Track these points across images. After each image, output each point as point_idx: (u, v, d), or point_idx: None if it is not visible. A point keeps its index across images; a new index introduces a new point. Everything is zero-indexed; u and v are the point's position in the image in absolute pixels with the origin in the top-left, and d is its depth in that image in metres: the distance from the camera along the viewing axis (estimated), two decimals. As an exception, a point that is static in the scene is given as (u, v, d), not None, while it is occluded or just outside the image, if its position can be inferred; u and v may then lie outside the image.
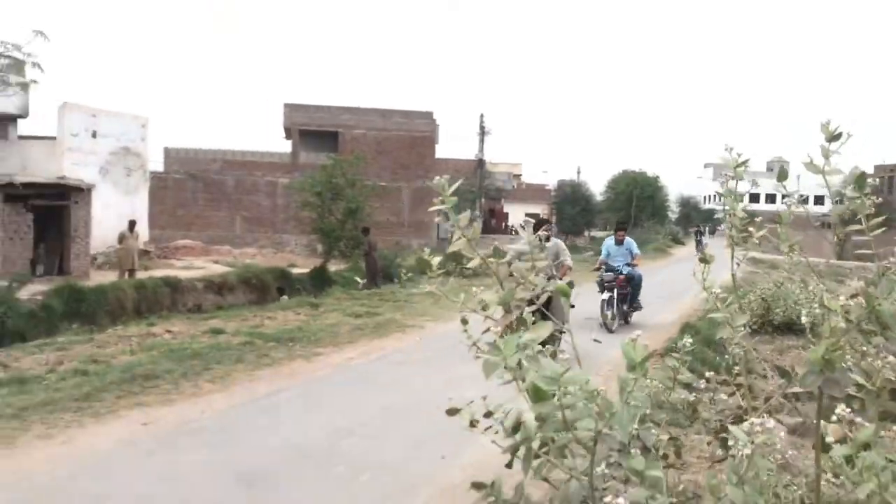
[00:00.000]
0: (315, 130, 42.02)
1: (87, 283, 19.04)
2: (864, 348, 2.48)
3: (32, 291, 16.96)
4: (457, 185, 2.16)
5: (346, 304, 14.94)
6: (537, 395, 1.70)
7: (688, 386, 2.81)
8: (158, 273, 21.71)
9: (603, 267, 12.96)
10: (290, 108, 42.51)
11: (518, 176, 66.06)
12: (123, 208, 25.83)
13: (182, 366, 8.47)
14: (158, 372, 8.13)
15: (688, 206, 75.39)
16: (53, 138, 26.26)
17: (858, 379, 2.44)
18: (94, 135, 26.71)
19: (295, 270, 24.05)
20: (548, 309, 9.24)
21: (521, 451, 1.79)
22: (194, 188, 41.13)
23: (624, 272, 12.82)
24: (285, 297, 20.74)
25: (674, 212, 72.07)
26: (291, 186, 32.63)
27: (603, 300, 12.18)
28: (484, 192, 48.88)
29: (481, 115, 50.61)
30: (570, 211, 56.22)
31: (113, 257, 23.53)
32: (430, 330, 12.44)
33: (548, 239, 9.81)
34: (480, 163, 49.02)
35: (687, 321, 11.94)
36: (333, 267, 24.38)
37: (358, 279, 21.28)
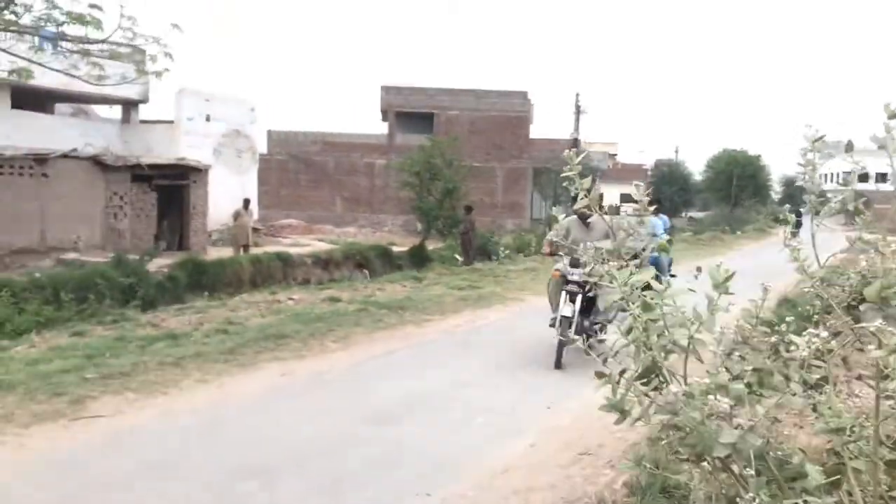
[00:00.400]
0: (410, 112, 42.82)
1: (206, 257, 20.51)
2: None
3: (158, 265, 18.40)
4: (583, 155, 2.77)
5: (448, 279, 15.68)
6: (645, 308, 2.31)
7: (770, 325, 3.30)
8: (269, 249, 23.11)
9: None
10: (387, 91, 43.44)
11: (614, 156, 65.51)
12: (234, 188, 27.35)
13: (308, 328, 9.39)
14: (288, 332, 9.06)
15: (791, 186, 73.00)
16: (171, 122, 28.06)
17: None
18: (207, 118, 28.40)
19: (394, 248, 25.08)
20: (592, 299, 8.66)
21: (632, 349, 2.40)
22: (296, 169, 42.74)
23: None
24: (366, 271, 21.76)
25: (777, 192, 69.99)
26: (391, 167, 33.61)
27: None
28: (579, 172, 48.83)
29: (577, 95, 50.44)
30: (668, 191, 55.50)
31: (227, 234, 25.10)
32: (530, 302, 13.04)
33: (587, 215, 8.45)
34: (575, 142, 48.91)
35: (784, 296, 12.13)
36: (430, 245, 25.24)
37: (457, 256, 22.16)
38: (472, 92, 43.00)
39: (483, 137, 41.50)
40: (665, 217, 12.10)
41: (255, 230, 26.14)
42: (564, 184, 2.83)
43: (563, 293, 8.20)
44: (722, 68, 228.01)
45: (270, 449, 5.30)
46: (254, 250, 22.31)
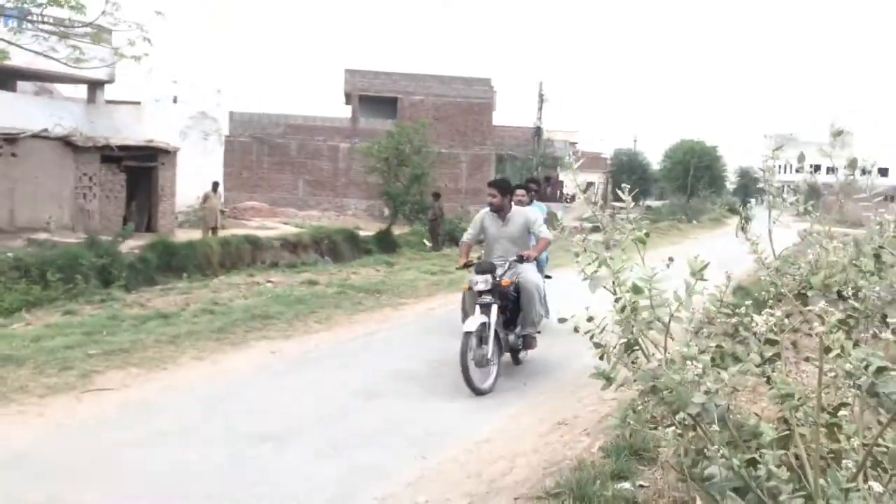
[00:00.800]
0: (374, 96, 42.96)
1: (174, 239, 20.66)
2: (860, 283, 3.54)
3: (128, 246, 18.52)
4: (581, 161, 3.26)
5: (418, 264, 16.19)
6: (635, 290, 2.83)
7: (732, 311, 3.84)
8: (237, 232, 23.31)
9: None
10: (351, 74, 43.43)
11: (574, 144, 66.26)
12: (200, 170, 27.37)
13: (291, 309, 9.81)
14: (272, 313, 9.48)
15: (746, 176, 74.91)
16: (137, 103, 27.97)
17: (856, 305, 3.50)
18: (174, 100, 28.39)
19: (360, 233, 25.42)
20: (518, 302, 8.03)
21: (623, 321, 2.92)
22: (259, 151, 42.60)
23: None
24: (327, 257, 22.07)
25: (732, 182, 71.76)
26: (358, 151, 33.79)
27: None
28: (541, 161, 49.39)
29: (540, 83, 50.90)
30: (627, 180, 56.59)
31: (193, 216, 25.23)
32: (499, 287, 13.59)
33: (500, 208, 7.64)
34: (538, 131, 49.51)
35: (739, 284, 12.81)
36: (396, 231, 25.63)
37: (426, 241, 22.65)
38: (436, 78, 43.26)
39: (447, 123, 41.89)
40: (541, 203, 10.23)
41: (221, 212, 26.31)
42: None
43: (477, 307, 6.85)
44: (680, 60, 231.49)
45: (272, 418, 5.75)
46: (221, 233, 22.51)
